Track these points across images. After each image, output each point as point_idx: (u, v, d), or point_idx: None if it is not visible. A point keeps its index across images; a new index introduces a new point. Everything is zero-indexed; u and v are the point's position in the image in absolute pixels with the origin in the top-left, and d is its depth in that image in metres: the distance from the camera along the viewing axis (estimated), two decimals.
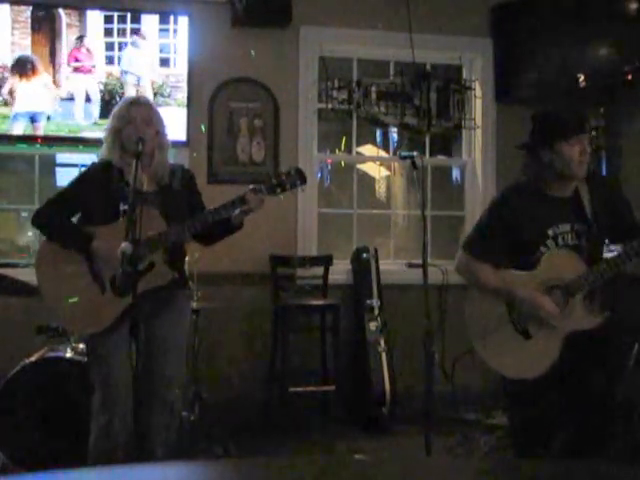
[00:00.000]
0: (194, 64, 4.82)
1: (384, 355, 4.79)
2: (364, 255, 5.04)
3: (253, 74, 5.00)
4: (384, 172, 5.65)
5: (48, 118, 4.62)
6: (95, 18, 4.69)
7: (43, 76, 4.60)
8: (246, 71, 4.99)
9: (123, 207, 3.02)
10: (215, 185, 4.81)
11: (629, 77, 4.50)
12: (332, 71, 5.14)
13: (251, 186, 3.09)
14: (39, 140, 4.66)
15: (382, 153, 5.61)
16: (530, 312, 2.91)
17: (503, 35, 5.24)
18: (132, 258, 2.77)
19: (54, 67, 4.64)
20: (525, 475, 1.82)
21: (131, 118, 3.08)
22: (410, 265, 5.01)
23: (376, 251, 5.07)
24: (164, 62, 4.82)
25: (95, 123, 4.64)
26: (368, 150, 5.59)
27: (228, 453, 3.99)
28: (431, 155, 5.49)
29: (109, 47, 4.72)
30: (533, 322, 2.93)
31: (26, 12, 4.58)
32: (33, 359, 3.69)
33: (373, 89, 5.19)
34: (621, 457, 3.22)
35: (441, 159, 5.67)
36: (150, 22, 4.78)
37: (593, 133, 4.36)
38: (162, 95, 4.77)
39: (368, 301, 4.92)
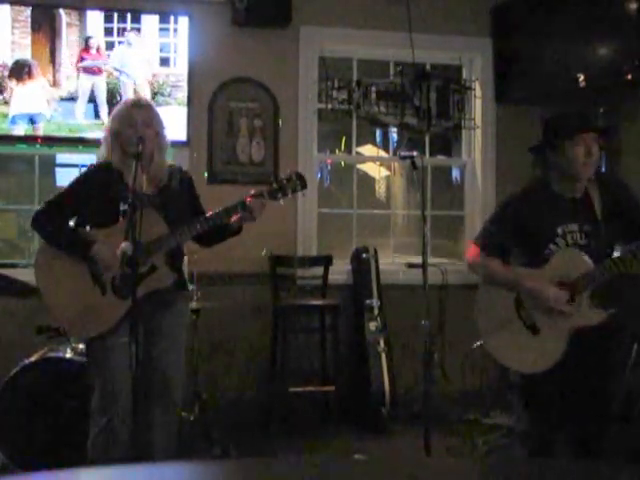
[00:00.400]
0: (194, 64, 4.82)
1: (384, 355, 4.78)
2: (364, 255, 5.04)
3: (253, 74, 5.00)
4: (384, 172, 5.65)
5: (48, 120, 4.62)
6: (95, 18, 4.69)
7: (40, 79, 4.60)
8: (246, 71, 4.99)
9: (123, 207, 3.02)
10: (215, 185, 4.82)
11: (629, 77, 4.50)
12: (332, 71, 5.13)
13: (252, 191, 3.09)
14: (39, 140, 4.65)
15: (382, 153, 5.61)
16: (538, 302, 2.93)
17: (503, 35, 5.24)
18: (132, 258, 2.77)
19: (54, 67, 4.64)
20: (525, 475, 1.82)
21: (132, 120, 3.07)
22: (410, 265, 5.00)
23: (376, 251, 5.07)
24: (164, 62, 4.82)
25: (97, 123, 4.63)
26: (368, 150, 5.59)
27: (227, 453, 3.99)
28: (431, 155, 5.49)
29: (109, 47, 4.72)
30: (541, 317, 2.95)
31: (26, 12, 4.58)
32: (33, 359, 3.68)
33: (373, 89, 5.18)
34: (621, 457, 3.23)
35: (441, 159, 5.67)
36: (150, 22, 4.79)
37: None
38: (162, 94, 4.77)
39: (368, 301, 4.92)
